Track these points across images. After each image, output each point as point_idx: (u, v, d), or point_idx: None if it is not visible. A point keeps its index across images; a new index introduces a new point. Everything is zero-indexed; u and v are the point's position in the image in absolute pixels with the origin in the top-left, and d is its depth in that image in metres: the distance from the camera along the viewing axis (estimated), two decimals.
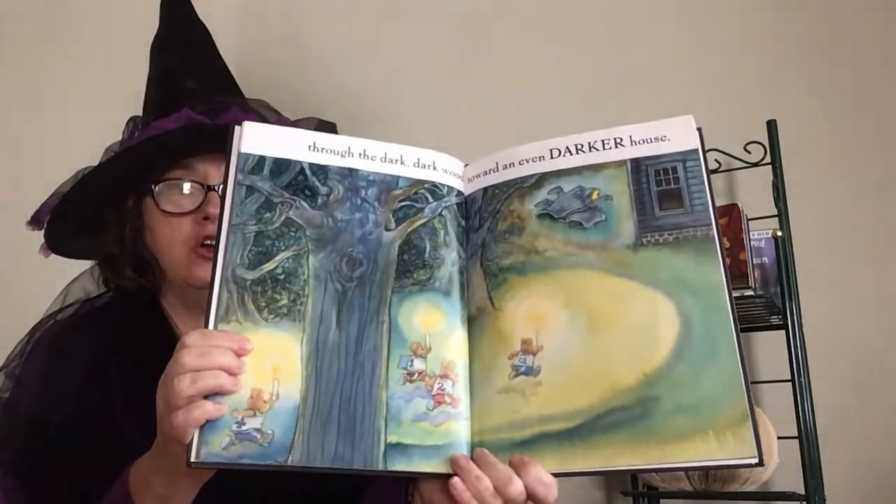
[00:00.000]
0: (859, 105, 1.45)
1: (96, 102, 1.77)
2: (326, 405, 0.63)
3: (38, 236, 0.95)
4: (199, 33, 1.02)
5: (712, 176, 1.44)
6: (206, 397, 0.60)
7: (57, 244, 0.95)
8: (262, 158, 0.69)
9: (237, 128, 0.70)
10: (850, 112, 1.45)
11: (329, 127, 0.98)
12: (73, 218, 0.91)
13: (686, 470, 0.56)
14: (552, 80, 1.65)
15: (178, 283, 0.90)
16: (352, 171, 0.71)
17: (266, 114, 0.96)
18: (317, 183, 0.70)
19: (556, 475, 0.61)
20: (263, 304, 0.64)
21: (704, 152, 0.68)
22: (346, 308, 0.66)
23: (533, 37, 1.68)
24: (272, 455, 0.60)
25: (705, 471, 1.26)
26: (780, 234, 1.31)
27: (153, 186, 0.87)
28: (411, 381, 0.65)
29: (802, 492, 1.23)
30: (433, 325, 0.67)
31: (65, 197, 0.90)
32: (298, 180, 0.69)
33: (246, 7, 1.69)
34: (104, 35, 1.86)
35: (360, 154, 0.72)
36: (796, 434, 1.25)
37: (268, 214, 0.67)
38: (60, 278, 0.97)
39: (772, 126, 1.39)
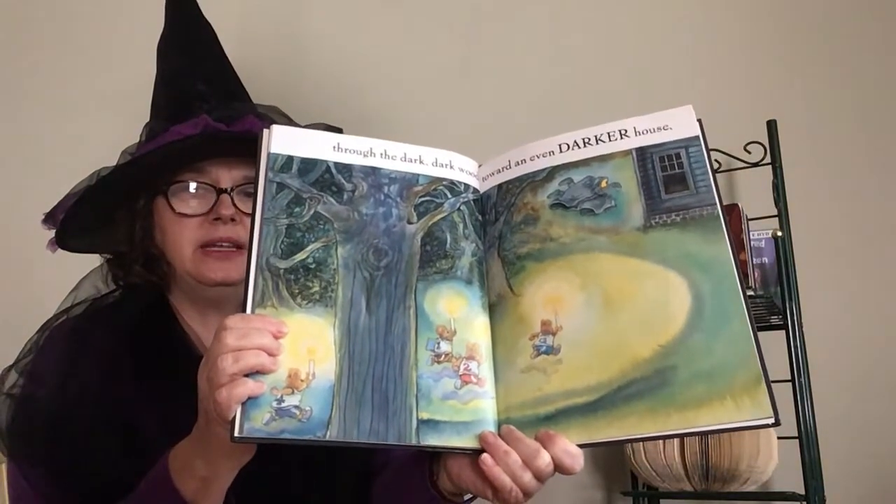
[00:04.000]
0: (859, 105, 1.45)
1: (103, 102, 1.77)
2: (360, 384, 0.66)
3: (48, 234, 0.95)
4: (205, 33, 1.02)
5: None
6: (246, 376, 0.64)
7: (67, 240, 0.96)
8: (290, 158, 0.74)
9: (266, 130, 0.74)
10: (850, 112, 1.45)
11: (336, 131, 0.99)
12: (86, 216, 0.92)
13: (707, 433, 0.60)
14: (552, 80, 1.65)
15: (187, 280, 0.92)
16: (374, 170, 0.75)
17: (278, 119, 0.98)
18: (342, 180, 0.74)
19: (581, 446, 0.64)
20: (297, 290, 0.69)
21: (705, 138, 0.73)
22: (374, 294, 0.70)
23: (533, 37, 1.68)
24: (311, 430, 0.64)
25: (705, 470, 1.26)
26: (780, 234, 1.31)
27: (167, 188, 0.90)
28: (439, 363, 0.68)
29: (802, 492, 1.23)
30: (456, 310, 0.70)
31: (83, 195, 0.91)
32: (325, 178, 0.74)
33: (245, 6, 1.68)
34: (108, 35, 1.86)
35: (381, 154, 0.76)
36: (796, 434, 1.25)
37: (297, 209, 0.72)
38: (70, 275, 0.98)
39: (772, 126, 1.39)
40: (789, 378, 1.26)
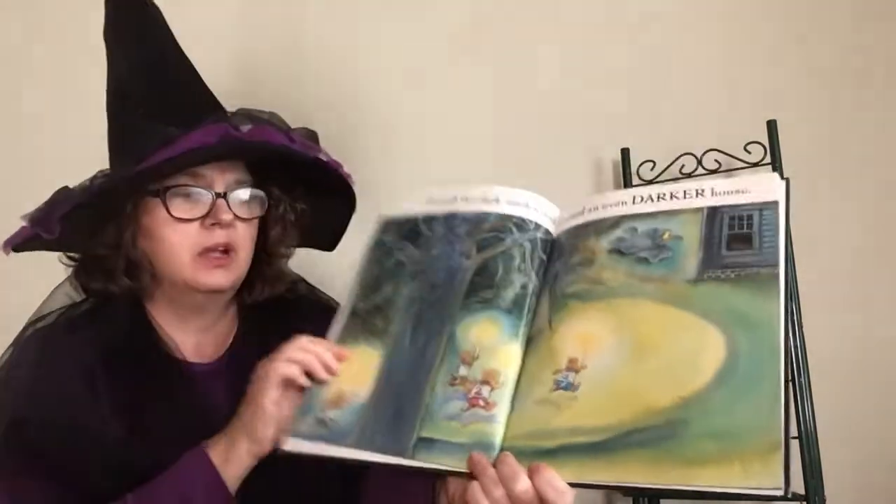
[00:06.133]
0: (859, 105, 1.45)
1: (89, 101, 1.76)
2: (384, 403, 0.72)
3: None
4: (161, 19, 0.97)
5: (713, 176, 1.45)
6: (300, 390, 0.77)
7: (58, 245, 0.92)
8: (392, 220, 0.83)
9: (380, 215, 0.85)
10: (850, 112, 1.45)
11: (312, 135, 0.99)
12: (81, 220, 0.88)
13: (705, 496, 0.55)
14: (552, 81, 1.65)
15: (176, 286, 0.90)
16: (453, 215, 0.80)
17: (279, 126, 0.96)
18: (425, 229, 0.81)
19: (572, 485, 0.62)
20: (365, 327, 0.78)
21: (788, 203, 0.69)
22: (419, 326, 0.75)
23: (533, 38, 1.67)
24: (336, 439, 0.71)
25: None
26: None
27: (164, 192, 0.87)
28: (452, 385, 0.69)
29: (802, 492, 1.23)
30: (487, 337, 0.71)
31: (89, 198, 0.86)
32: (413, 229, 0.81)
33: (244, 13, 1.68)
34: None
35: (462, 199, 0.81)
36: (796, 434, 1.25)
37: (386, 259, 0.80)
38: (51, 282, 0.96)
39: (772, 126, 1.39)
40: (789, 378, 1.26)
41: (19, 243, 0.89)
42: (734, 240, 0.67)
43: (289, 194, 0.97)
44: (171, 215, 0.87)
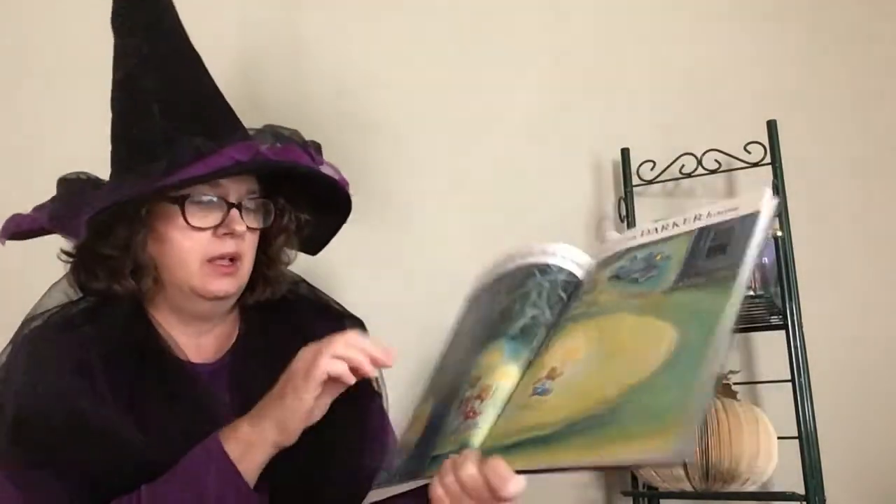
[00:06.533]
0: (859, 105, 1.45)
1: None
2: (424, 441, 0.76)
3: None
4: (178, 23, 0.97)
5: (713, 176, 1.46)
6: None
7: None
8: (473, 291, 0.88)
9: None
10: (850, 112, 1.45)
11: (318, 147, 1.00)
12: (101, 223, 0.87)
13: (616, 468, 0.57)
14: (552, 82, 1.65)
15: (182, 292, 0.91)
16: (502, 276, 0.84)
17: (297, 142, 0.98)
18: (483, 293, 0.86)
19: (518, 472, 0.65)
20: (433, 384, 0.83)
21: (772, 214, 0.70)
22: (457, 371, 0.79)
23: (533, 39, 1.68)
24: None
25: (705, 470, 1.26)
26: (780, 234, 1.31)
27: (183, 200, 0.87)
28: (459, 406, 0.74)
29: (802, 492, 1.23)
30: (492, 361, 0.75)
31: (123, 200, 0.86)
32: (475, 295, 0.87)
33: (245, 16, 1.68)
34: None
35: (510, 258, 0.85)
36: (796, 434, 1.25)
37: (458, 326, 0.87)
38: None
39: (772, 126, 1.39)
40: (789, 378, 1.27)
41: (18, 234, 0.89)
42: (712, 250, 0.69)
43: (293, 204, 0.98)
44: (188, 223, 0.87)
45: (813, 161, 1.44)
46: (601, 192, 1.59)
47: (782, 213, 1.37)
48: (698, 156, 1.46)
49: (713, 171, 1.46)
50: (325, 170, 0.97)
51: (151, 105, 0.90)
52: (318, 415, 0.79)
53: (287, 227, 0.98)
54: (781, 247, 1.30)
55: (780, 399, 1.32)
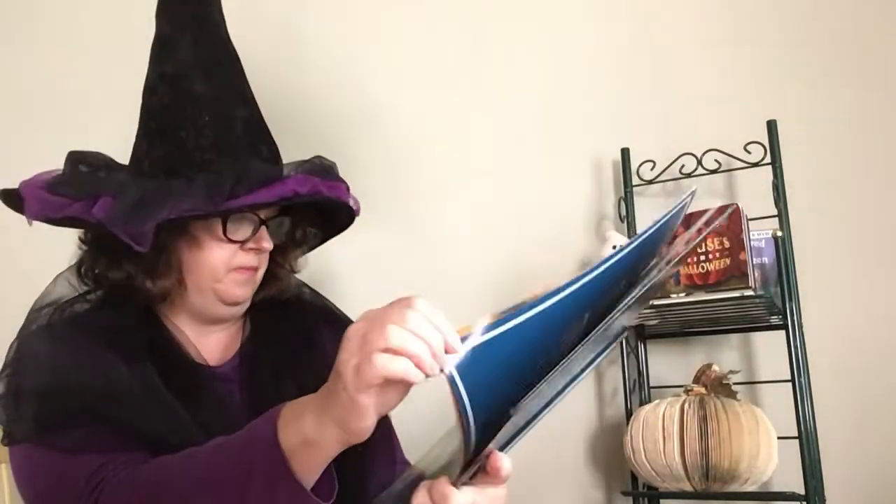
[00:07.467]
0: (860, 105, 1.45)
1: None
2: None
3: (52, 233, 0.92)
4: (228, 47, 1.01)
5: (712, 176, 1.46)
6: None
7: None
8: None
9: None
10: (850, 112, 1.45)
11: (330, 164, 1.04)
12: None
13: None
14: (553, 81, 1.65)
15: (205, 296, 0.94)
16: None
17: (335, 172, 1.04)
18: None
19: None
20: None
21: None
22: None
23: (533, 39, 1.67)
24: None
25: (705, 471, 1.26)
26: (780, 234, 1.31)
27: (227, 214, 0.91)
28: None
29: (802, 492, 1.23)
30: None
31: (178, 214, 0.87)
32: None
33: (243, 10, 1.68)
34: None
35: None
36: (796, 434, 1.25)
37: None
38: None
39: (772, 126, 1.39)
40: (789, 378, 1.26)
41: (57, 220, 0.89)
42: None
43: (305, 220, 1.04)
44: (227, 237, 0.92)
45: (813, 161, 1.44)
46: (601, 191, 1.59)
47: (782, 213, 1.37)
48: (698, 156, 1.46)
49: (713, 171, 1.46)
50: (352, 202, 1.03)
51: (202, 113, 0.93)
52: (389, 405, 0.66)
53: (300, 241, 1.04)
54: (781, 247, 1.30)
55: (780, 399, 1.32)
